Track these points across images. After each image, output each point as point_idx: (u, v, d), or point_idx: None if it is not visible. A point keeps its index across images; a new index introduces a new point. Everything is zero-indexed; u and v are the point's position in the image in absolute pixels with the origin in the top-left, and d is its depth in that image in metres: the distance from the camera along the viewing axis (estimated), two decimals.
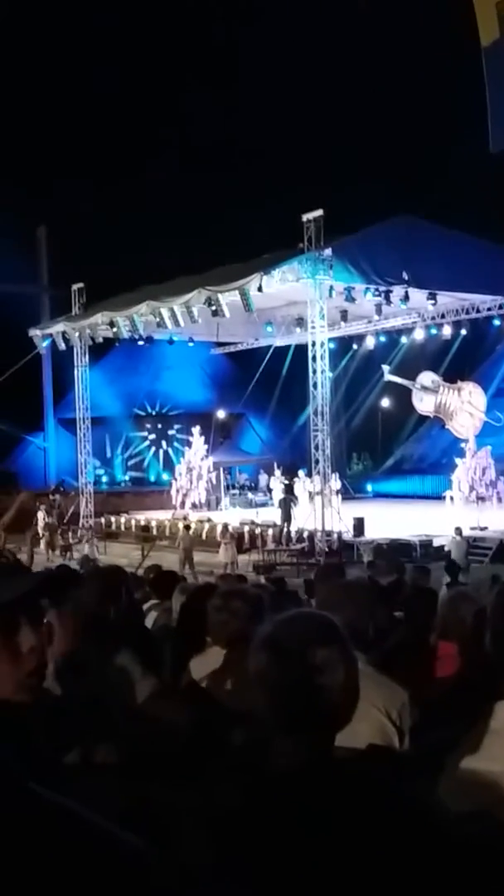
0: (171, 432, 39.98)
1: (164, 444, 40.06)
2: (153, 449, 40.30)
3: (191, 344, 31.20)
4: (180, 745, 2.27)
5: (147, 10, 43.38)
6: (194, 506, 30.60)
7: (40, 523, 27.12)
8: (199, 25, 45.60)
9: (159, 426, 40.32)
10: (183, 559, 20.35)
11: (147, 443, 40.26)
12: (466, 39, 18.47)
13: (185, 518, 27.67)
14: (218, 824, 1.57)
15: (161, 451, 39.98)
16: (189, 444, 32.41)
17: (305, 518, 23.24)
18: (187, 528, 22.55)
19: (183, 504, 30.62)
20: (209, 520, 26.74)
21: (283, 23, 43.52)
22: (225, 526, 23.63)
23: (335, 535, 22.29)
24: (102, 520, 29.86)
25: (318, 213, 21.54)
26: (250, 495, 33.04)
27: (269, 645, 1.66)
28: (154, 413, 40.38)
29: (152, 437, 40.36)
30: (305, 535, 23.13)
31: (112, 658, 2.66)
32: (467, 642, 3.43)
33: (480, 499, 25.97)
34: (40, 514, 27.38)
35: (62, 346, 29.35)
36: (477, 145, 19.24)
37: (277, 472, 30.50)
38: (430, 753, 2.02)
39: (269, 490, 31.25)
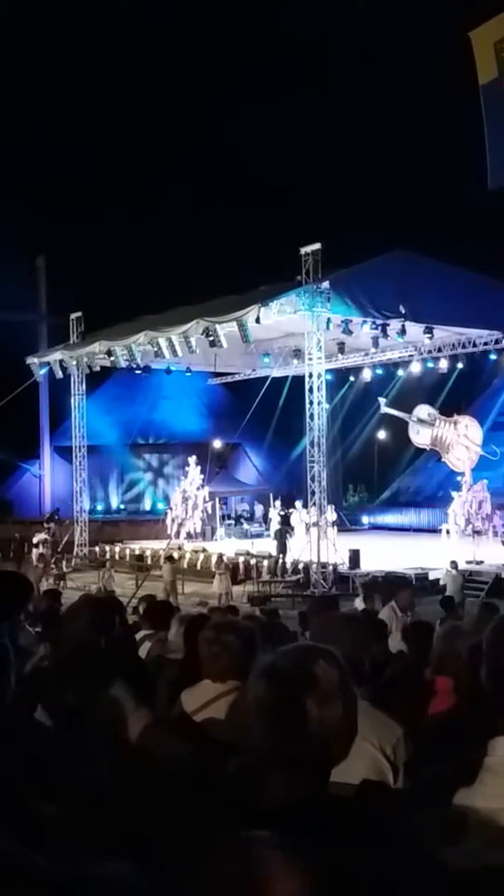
0: (166, 462, 39.96)
1: (159, 473, 40.03)
2: (149, 478, 40.25)
3: (188, 374, 31.30)
4: (174, 778, 2.25)
5: (147, 40, 43.98)
6: (189, 535, 30.51)
7: (34, 552, 27.02)
8: (201, 61, 46.19)
9: (155, 455, 40.30)
10: (166, 591, 20.18)
11: (143, 472, 40.22)
12: (465, 77, 18.75)
13: (179, 548, 27.59)
14: (213, 859, 1.55)
15: (157, 481, 39.93)
16: (185, 473, 32.39)
17: (301, 549, 23.18)
18: (170, 559, 22.46)
19: (178, 534, 30.53)
20: (204, 550, 26.65)
21: (281, 57, 44.13)
22: (220, 556, 23.53)
23: (330, 568, 22.21)
24: (97, 548, 29.75)
25: (317, 246, 21.72)
26: (246, 526, 32.98)
27: (270, 675, 1.66)
28: (151, 442, 40.37)
29: (148, 466, 40.34)
30: (301, 566, 23.06)
31: (104, 689, 2.64)
32: (462, 677, 3.41)
33: (476, 532, 25.92)
34: (35, 541, 27.31)
35: (59, 374, 29.43)
36: (475, 182, 19.46)
37: (274, 503, 30.46)
38: (425, 790, 2.00)
39: (265, 521, 31.19)
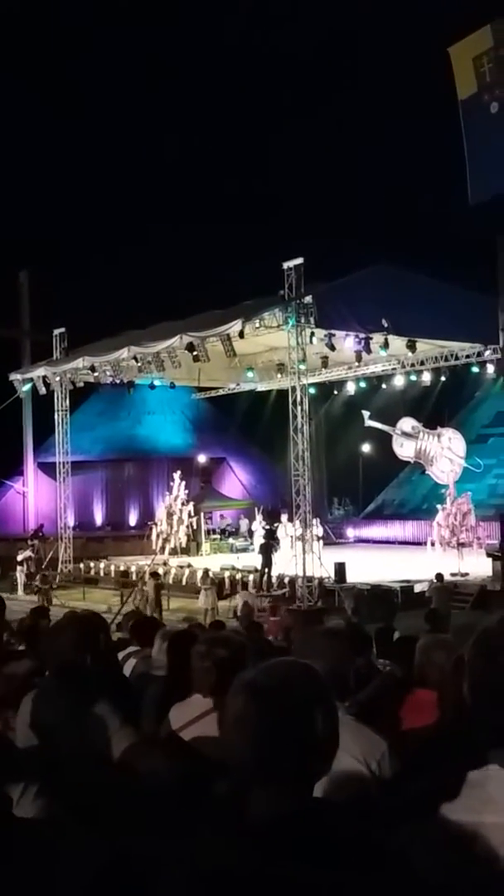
0: (152, 476, 39.85)
1: (144, 488, 39.91)
2: (134, 493, 40.13)
3: (172, 388, 31.28)
4: (161, 797, 2.24)
5: (133, 63, 44.18)
6: (174, 551, 30.42)
7: (19, 568, 26.94)
8: (185, 84, 46.45)
9: (140, 471, 40.18)
10: (151, 607, 20.03)
11: (129, 487, 40.09)
12: (445, 93, 18.92)
13: (164, 564, 27.51)
14: (199, 877, 1.55)
15: (141, 496, 39.81)
16: (170, 488, 32.33)
17: (286, 563, 23.16)
18: (154, 575, 22.35)
19: (163, 549, 30.43)
20: (189, 565, 26.57)
21: (260, 81, 44.41)
22: (205, 571, 23.49)
23: (316, 581, 22.20)
24: (81, 565, 29.62)
25: (299, 261, 21.80)
26: (231, 540, 32.93)
27: (249, 691, 1.66)
28: (135, 457, 40.24)
29: (134, 481, 40.22)
30: (286, 580, 23.03)
31: (89, 707, 2.63)
32: (446, 691, 3.42)
33: (461, 545, 25.98)
34: (19, 559, 27.23)
35: (43, 390, 29.34)
36: (456, 196, 19.61)
37: (258, 517, 30.43)
38: (409, 804, 2.01)
39: (250, 535, 31.15)
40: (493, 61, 17.73)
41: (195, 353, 22.86)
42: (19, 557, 27.52)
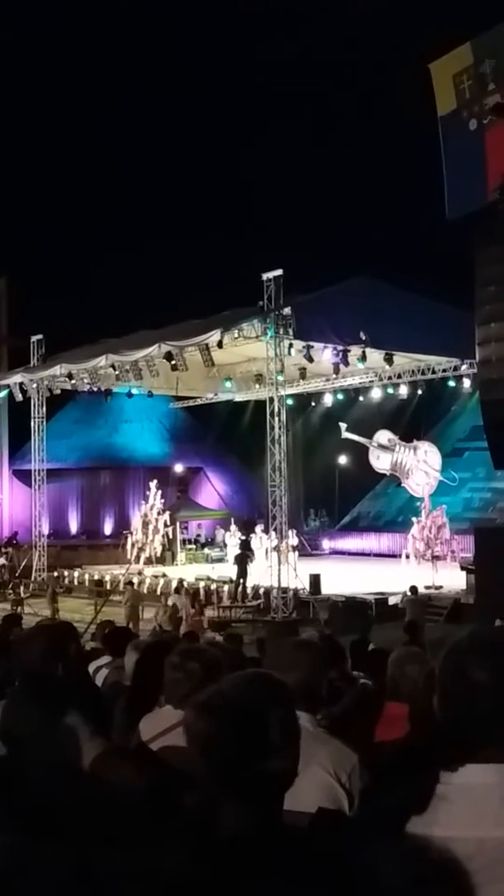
0: (128, 485, 39.72)
1: (120, 497, 39.78)
2: (110, 502, 39.97)
3: (150, 397, 31.23)
4: (128, 808, 2.22)
5: (119, 63, 44.22)
6: (149, 560, 30.30)
7: None
8: (164, 95, 46.57)
9: (116, 479, 40.03)
10: (128, 617, 19.90)
11: (105, 495, 39.93)
12: (424, 108, 19.09)
13: (139, 573, 27.38)
14: (165, 891, 1.54)
15: (117, 504, 39.66)
16: (145, 497, 32.22)
17: (261, 574, 23.14)
18: (130, 583, 22.24)
19: (138, 558, 30.31)
20: (164, 575, 26.48)
21: (244, 96, 44.61)
22: (180, 581, 23.42)
23: (291, 593, 22.18)
24: (55, 573, 29.42)
25: (278, 272, 21.87)
26: (206, 550, 32.86)
27: (199, 705, 1.66)
28: (111, 466, 40.10)
29: (110, 489, 40.07)
30: (261, 591, 23.00)
31: (59, 718, 2.61)
32: (418, 704, 3.42)
33: (436, 557, 26.08)
34: None
35: (19, 397, 29.19)
36: (434, 211, 19.77)
37: (234, 528, 30.40)
38: (380, 818, 2.00)
39: (226, 545, 31.10)
40: (473, 78, 17.92)
41: (173, 362, 22.85)
42: None
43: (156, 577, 26.41)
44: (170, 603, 20.76)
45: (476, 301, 18.65)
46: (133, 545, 30.79)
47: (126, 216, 42.81)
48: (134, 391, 29.15)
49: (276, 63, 44.02)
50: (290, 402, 27.83)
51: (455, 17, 20.13)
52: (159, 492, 31.74)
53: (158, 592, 24.34)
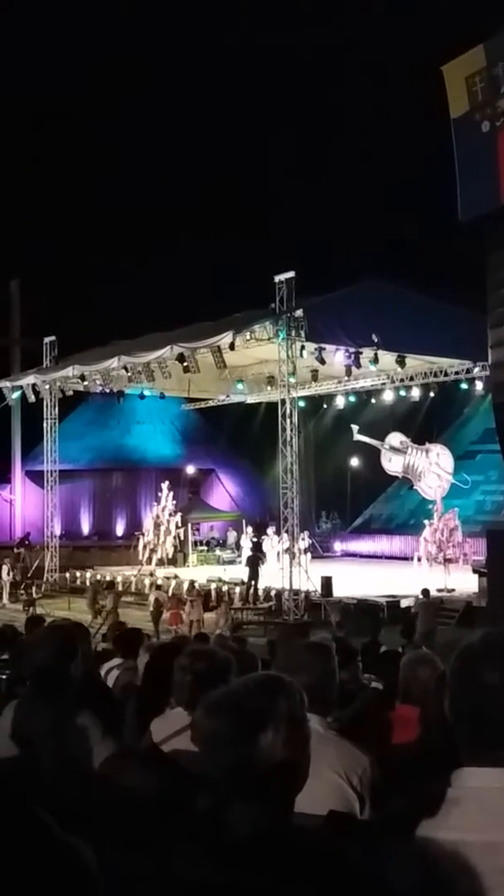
0: (140, 486, 39.77)
1: (132, 498, 39.83)
2: (122, 503, 40.03)
3: (162, 399, 31.27)
4: (139, 810, 2.23)
5: (132, 74, 44.34)
6: (161, 562, 30.33)
7: (4, 577, 26.81)
8: (179, 93, 46.65)
9: (128, 481, 40.09)
10: (153, 620, 19.99)
11: (117, 496, 39.99)
12: (438, 111, 19.04)
13: (151, 574, 27.43)
14: (176, 891, 1.55)
15: (128, 506, 39.72)
16: (158, 499, 32.26)
17: (273, 576, 23.13)
18: (158, 587, 22.25)
19: (150, 560, 30.35)
20: (176, 576, 26.51)
21: (252, 90, 44.62)
22: (191, 583, 23.43)
23: (303, 595, 22.17)
24: (67, 574, 29.50)
25: (290, 274, 21.88)
26: (218, 552, 32.86)
27: (206, 707, 1.66)
28: (123, 467, 40.16)
29: (122, 491, 40.13)
30: (273, 593, 22.99)
31: (71, 719, 2.62)
32: (428, 707, 3.42)
33: (448, 560, 26.01)
34: (4, 568, 27.09)
35: (32, 398, 29.30)
36: (448, 214, 19.71)
37: (247, 530, 30.39)
38: (391, 820, 2.00)
39: (238, 547, 31.10)
40: (486, 80, 17.85)
41: (185, 363, 22.88)
42: (4, 566, 27.41)
43: (167, 578, 26.43)
44: (151, 598, 20.99)
45: (488, 303, 18.61)
46: (145, 546, 30.83)
47: (140, 219, 42.93)
48: (146, 392, 29.20)
49: (288, 63, 44.11)
50: (301, 404, 27.82)
51: (467, 20, 20.07)
52: (171, 493, 31.77)
53: (170, 594, 24.37)
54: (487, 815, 1.73)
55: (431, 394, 28.52)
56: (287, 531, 22.86)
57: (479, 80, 18.00)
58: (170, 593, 24.67)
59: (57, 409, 30.71)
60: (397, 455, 30.49)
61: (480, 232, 18.88)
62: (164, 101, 46.67)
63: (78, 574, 29.38)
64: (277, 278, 21.97)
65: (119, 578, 27.52)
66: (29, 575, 28.37)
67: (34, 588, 26.84)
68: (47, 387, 29.05)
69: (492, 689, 1.76)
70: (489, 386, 23.58)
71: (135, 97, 45.44)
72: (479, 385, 27.36)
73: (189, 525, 32.41)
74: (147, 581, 24.67)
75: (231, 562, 30.07)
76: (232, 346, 21.50)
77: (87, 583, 27.23)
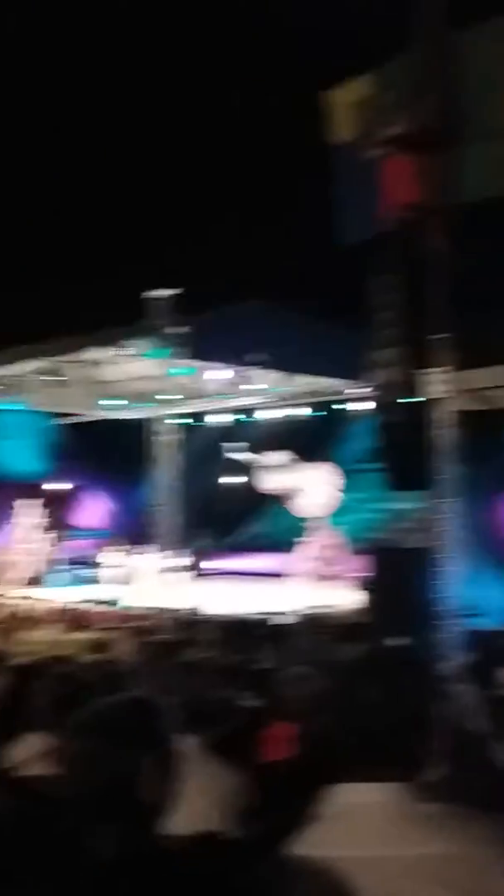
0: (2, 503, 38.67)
1: None
2: None
3: (28, 413, 30.49)
4: None
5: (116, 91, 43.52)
6: (20, 582, 29.48)
7: None
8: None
9: None
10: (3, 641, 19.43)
11: None
12: (315, 137, 19.40)
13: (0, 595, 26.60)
14: None
15: None
16: (16, 516, 31.39)
17: (146, 595, 22.91)
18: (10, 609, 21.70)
19: (11, 579, 29.46)
20: (29, 597, 25.76)
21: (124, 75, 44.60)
22: (52, 603, 22.92)
23: (176, 613, 22.03)
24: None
25: (169, 291, 21.81)
26: (85, 570, 32.28)
27: (77, 729, 1.63)
28: None
29: None
30: (144, 612, 22.76)
31: None
32: (305, 724, 3.39)
33: (330, 577, 26.34)
34: None
35: None
36: (326, 237, 20.09)
37: (116, 548, 29.99)
38: (264, 840, 1.97)
39: (106, 566, 30.65)
40: (373, 108, 18.28)
41: (55, 377, 22.48)
42: None
43: (27, 598, 25.66)
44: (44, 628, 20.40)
45: (372, 326, 19.05)
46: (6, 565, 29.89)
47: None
48: (12, 406, 28.38)
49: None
50: (178, 420, 27.78)
51: (355, 48, 20.56)
52: (36, 510, 31.00)
53: (29, 615, 23.79)
54: (360, 830, 1.72)
55: (315, 412, 28.91)
56: (160, 549, 22.72)
57: (366, 108, 18.43)
58: (23, 614, 24.07)
59: None
60: (277, 472, 30.80)
61: (361, 255, 19.36)
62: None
63: None
64: (153, 294, 21.83)
65: None
66: None
67: None
68: None
69: (371, 705, 1.78)
70: (373, 406, 24.11)
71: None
72: (362, 405, 27.85)
73: (53, 543, 31.71)
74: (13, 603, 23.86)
75: (95, 581, 29.59)
76: (106, 361, 21.27)
77: None
